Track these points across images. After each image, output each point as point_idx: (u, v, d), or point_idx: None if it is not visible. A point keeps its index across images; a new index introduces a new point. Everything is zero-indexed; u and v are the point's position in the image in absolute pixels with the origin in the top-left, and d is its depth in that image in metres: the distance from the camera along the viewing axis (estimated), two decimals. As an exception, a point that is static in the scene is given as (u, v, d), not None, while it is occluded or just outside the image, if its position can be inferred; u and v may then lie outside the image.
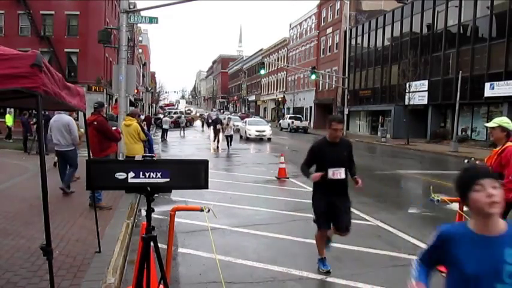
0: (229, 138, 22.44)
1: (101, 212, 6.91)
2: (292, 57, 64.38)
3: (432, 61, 32.90)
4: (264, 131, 30.60)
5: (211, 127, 26.99)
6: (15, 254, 5.06)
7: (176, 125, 43.00)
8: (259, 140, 30.77)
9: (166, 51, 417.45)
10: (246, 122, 33.50)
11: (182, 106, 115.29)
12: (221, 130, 23.80)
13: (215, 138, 24.24)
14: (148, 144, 9.80)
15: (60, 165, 8.95)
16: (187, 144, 27.49)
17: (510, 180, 4.48)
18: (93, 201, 7.50)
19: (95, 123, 7.64)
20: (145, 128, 11.79)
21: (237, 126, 33.35)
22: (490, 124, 4.94)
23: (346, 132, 40.11)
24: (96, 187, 3.28)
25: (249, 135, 30.49)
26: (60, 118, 8.57)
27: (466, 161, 5.32)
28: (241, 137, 31.88)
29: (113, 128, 8.40)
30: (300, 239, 6.49)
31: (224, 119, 25.97)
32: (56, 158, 9.61)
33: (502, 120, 4.82)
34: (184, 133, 35.97)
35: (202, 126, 47.31)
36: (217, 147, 22.87)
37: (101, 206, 7.48)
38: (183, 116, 47.43)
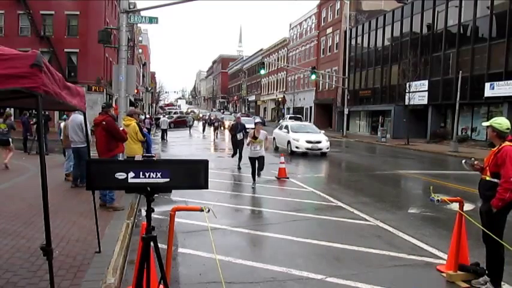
0: (256, 162, 11.49)
1: (101, 212, 6.92)
2: (292, 57, 64.40)
3: (432, 61, 32.91)
4: (319, 142, 19.96)
5: (230, 136, 17.24)
6: (15, 254, 5.05)
7: (177, 125, 43.28)
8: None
9: (166, 51, 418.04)
10: (288, 128, 21.63)
11: (184, 107, 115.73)
12: (243, 142, 15.35)
13: (235, 153, 16.01)
14: (146, 145, 9.81)
15: (74, 160, 9.75)
16: (189, 144, 27.48)
17: (507, 180, 4.47)
18: (103, 201, 7.56)
19: (104, 123, 7.60)
20: (146, 127, 11.80)
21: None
22: (485, 123, 4.98)
23: (346, 132, 40.18)
24: (96, 187, 3.28)
25: (297, 148, 19.85)
26: (76, 118, 9.26)
27: (463, 161, 5.31)
28: (276, 148, 22.06)
29: (121, 128, 8.41)
30: (300, 239, 6.49)
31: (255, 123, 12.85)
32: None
33: (495, 120, 4.82)
34: (191, 132, 36.56)
35: (204, 129, 40.90)
36: (239, 166, 15.06)
37: (115, 207, 7.52)
38: (190, 115, 47.61)
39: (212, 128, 35.35)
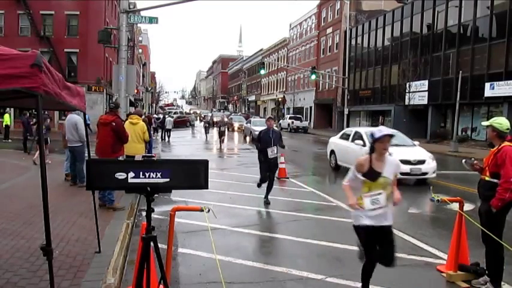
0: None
1: (101, 212, 6.92)
2: (292, 57, 64.38)
3: (432, 61, 32.90)
4: (421, 163, 12.17)
5: (258, 153, 9.67)
6: (15, 254, 5.05)
7: (177, 125, 43.33)
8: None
9: (166, 51, 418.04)
10: (363, 139, 13.08)
11: (186, 107, 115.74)
12: (277, 163, 9.66)
13: (264, 180, 9.53)
14: (148, 145, 9.86)
15: (70, 159, 9.99)
16: (190, 145, 27.45)
17: (507, 180, 4.47)
18: (102, 201, 7.56)
19: (113, 124, 7.53)
20: (153, 127, 11.84)
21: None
22: (485, 123, 4.97)
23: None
24: (96, 187, 3.28)
25: None
26: (71, 118, 9.47)
27: (463, 161, 5.31)
28: (337, 168, 14.76)
29: None
30: (300, 239, 6.49)
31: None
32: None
33: (495, 120, 4.81)
34: (195, 131, 36.48)
35: (206, 131, 33.46)
36: (267, 200, 9.27)
37: (115, 207, 7.51)
38: (193, 115, 47.73)
39: (216, 131, 27.86)
